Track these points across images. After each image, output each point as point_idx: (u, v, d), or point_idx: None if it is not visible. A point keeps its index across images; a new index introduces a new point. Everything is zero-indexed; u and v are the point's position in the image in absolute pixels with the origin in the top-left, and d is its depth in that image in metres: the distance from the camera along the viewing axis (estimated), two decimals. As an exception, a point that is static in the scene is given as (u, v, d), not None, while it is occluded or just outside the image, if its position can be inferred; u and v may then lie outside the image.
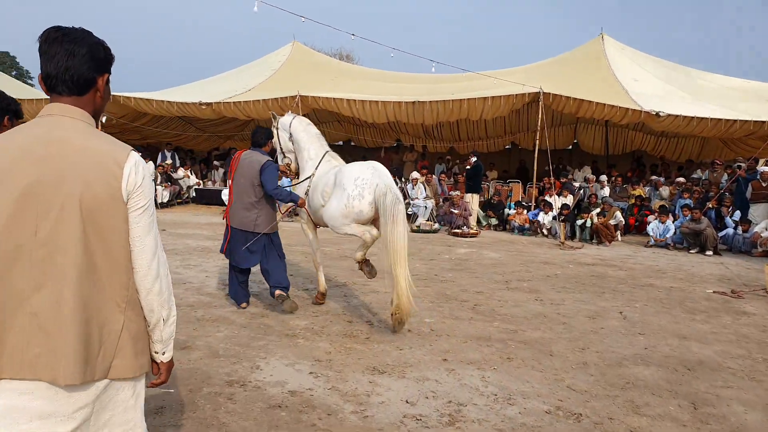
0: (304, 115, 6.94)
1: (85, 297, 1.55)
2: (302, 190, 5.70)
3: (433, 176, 14.20)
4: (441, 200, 13.58)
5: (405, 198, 14.69)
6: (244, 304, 5.61)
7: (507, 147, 21.06)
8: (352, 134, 20.96)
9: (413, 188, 13.23)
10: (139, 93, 16.09)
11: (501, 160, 20.24)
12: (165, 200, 15.75)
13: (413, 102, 13.63)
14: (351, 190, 5.08)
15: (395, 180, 5.60)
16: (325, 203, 5.36)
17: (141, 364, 1.70)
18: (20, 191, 1.51)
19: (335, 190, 5.25)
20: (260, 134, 5.59)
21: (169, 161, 17.77)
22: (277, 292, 5.39)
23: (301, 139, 5.90)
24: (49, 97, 1.67)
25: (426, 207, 12.63)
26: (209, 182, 18.63)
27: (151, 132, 20.04)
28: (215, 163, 19.14)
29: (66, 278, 1.52)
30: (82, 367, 1.53)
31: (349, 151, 22.58)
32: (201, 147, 23.49)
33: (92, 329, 1.57)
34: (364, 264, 5.44)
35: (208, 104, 15.75)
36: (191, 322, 5.24)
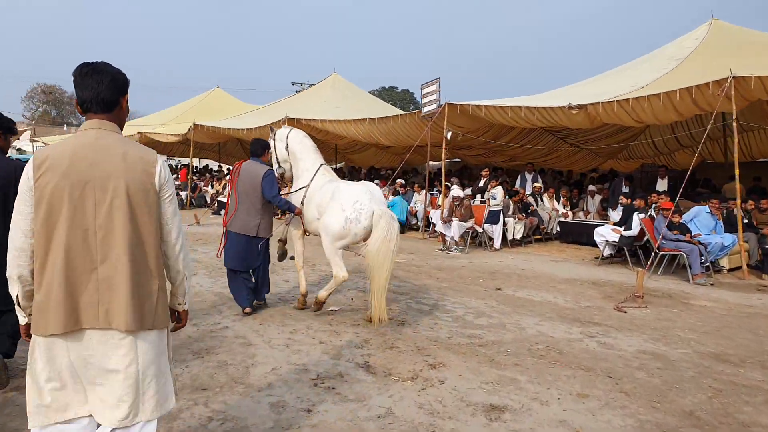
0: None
1: (135, 265, 2.07)
2: (298, 199, 5.94)
3: None
4: None
5: None
6: (248, 309, 5.75)
7: None
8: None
9: None
10: (492, 101, 12.73)
11: None
12: (518, 236, 11.91)
13: None
14: (350, 213, 5.34)
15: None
16: (320, 216, 5.64)
17: (168, 317, 2.24)
18: (79, 190, 2.02)
19: (333, 206, 5.44)
20: (257, 145, 5.97)
21: (529, 186, 13.96)
22: (255, 302, 5.90)
23: (296, 150, 6.12)
24: (84, 117, 2.18)
25: None
26: (580, 212, 14.08)
27: (517, 151, 16.72)
28: (591, 188, 14.47)
29: (121, 251, 2.03)
30: (138, 318, 2.06)
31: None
32: (575, 167, 19.17)
33: (141, 289, 2.09)
34: (318, 304, 5.71)
35: (581, 107, 11.29)
36: None
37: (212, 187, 20.77)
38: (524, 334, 5.42)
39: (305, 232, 6.12)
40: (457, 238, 10.77)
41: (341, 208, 5.36)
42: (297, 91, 39.33)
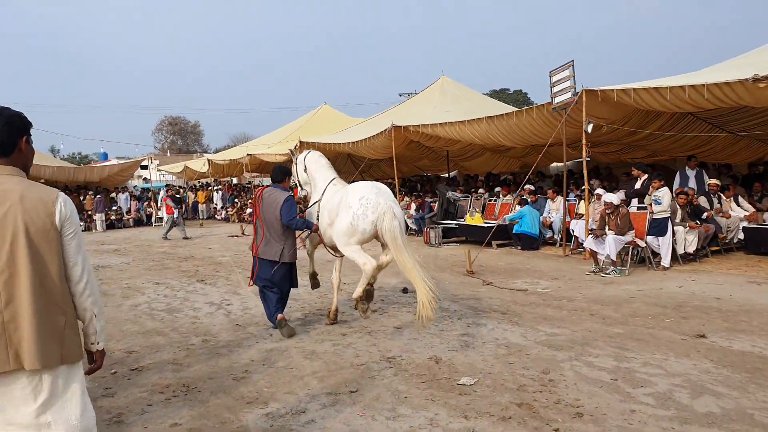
0: None
1: (40, 303, 2.06)
2: (314, 213, 6.07)
3: None
4: None
5: None
6: (280, 315, 5.73)
7: None
8: None
9: None
10: (640, 83, 10.19)
11: None
12: (691, 248, 9.29)
13: None
14: (356, 208, 5.38)
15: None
16: (332, 222, 5.69)
17: (80, 350, 2.19)
18: None
19: (341, 208, 5.55)
20: (277, 171, 5.98)
21: (692, 185, 11.20)
22: (279, 315, 5.70)
23: (312, 169, 6.33)
24: None
25: None
26: (766, 214, 11.05)
27: (662, 143, 13.88)
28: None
29: (25, 290, 2.03)
30: (47, 354, 2.04)
31: None
32: (735, 160, 15.74)
33: (48, 326, 2.07)
34: (361, 302, 5.48)
35: (771, 77, 8.54)
36: None
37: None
38: None
39: (321, 243, 6.15)
40: (613, 257, 8.44)
41: (348, 206, 5.47)
42: (404, 101, 38.04)
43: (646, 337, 5.21)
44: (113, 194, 23.88)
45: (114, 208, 22.61)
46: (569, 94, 10.21)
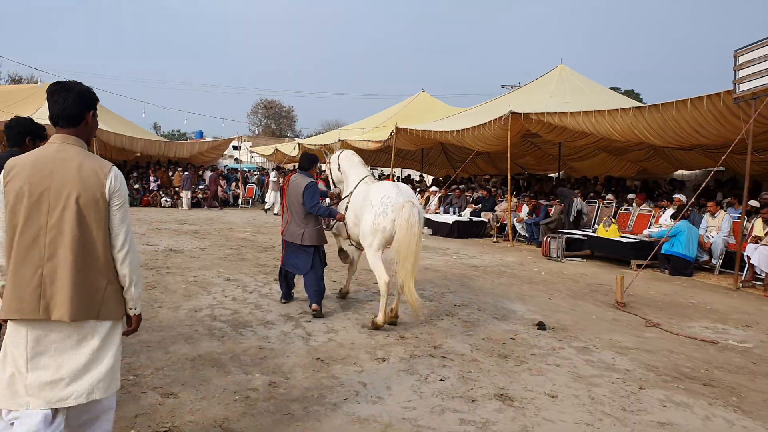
0: None
1: (80, 263, 2.22)
2: (343, 208, 6.20)
3: None
4: None
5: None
6: (284, 300, 6.24)
7: None
8: None
9: None
10: None
11: None
12: None
13: None
14: (377, 207, 5.50)
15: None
16: (357, 220, 5.83)
17: (121, 311, 2.37)
18: (37, 195, 2.21)
19: (365, 207, 5.66)
20: (305, 159, 6.18)
21: None
22: (314, 306, 5.75)
23: (345, 166, 6.45)
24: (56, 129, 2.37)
25: None
26: None
27: None
28: None
29: (68, 250, 2.20)
30: (78, 309, 2.21)
31: None
32: None
33: (86, 285, 2.24)
34: (381, 327, 5.37)
35: None
36: None
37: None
38: None
39: (348, 237, 6.16)
40: (833, 303, 6.08)
41: (371, 205, 5.56)
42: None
43: None
44: (200, 172, 23.26)
45: (201, 186, 21.90)
46: (766, 79, 7.78)
